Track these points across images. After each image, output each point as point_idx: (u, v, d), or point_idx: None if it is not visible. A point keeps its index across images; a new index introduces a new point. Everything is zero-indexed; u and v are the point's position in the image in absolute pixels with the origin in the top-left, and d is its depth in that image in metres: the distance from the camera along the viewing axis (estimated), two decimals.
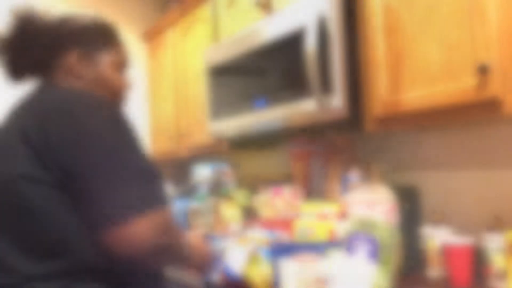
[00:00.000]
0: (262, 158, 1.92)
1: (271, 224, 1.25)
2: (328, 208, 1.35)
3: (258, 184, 1.67)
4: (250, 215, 1.45)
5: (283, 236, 1.16)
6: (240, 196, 1.65)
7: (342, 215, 1.24)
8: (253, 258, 1.05)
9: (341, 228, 1.16)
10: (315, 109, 1.20)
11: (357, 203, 1.27)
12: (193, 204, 1.54)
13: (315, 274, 0.97)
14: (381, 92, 1.14)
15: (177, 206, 1.69)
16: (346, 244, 1.06)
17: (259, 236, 1.15)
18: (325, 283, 0.99)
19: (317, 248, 0.98)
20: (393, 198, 1.23)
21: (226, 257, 1.12)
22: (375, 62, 1.15)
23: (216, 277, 1.11)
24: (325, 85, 1.18)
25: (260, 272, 1.02)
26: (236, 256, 1.11)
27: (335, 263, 1.02)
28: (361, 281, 0.97)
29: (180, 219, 1.62)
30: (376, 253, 1.00)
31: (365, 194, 1.27)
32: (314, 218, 1.24)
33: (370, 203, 1.24)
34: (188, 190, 1.84)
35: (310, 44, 1.18)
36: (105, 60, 0.88)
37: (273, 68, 1.35)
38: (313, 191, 1.57)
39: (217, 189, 1.69)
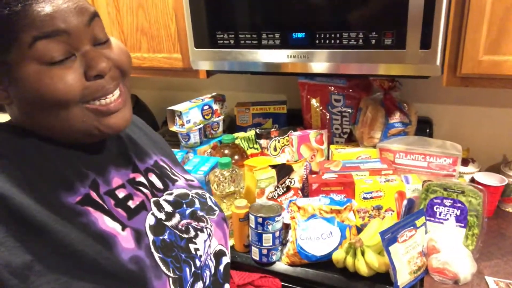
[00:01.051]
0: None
1: (319, 185, 1.13)
2: (365, 154, 1.31)
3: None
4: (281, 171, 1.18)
5: (345, 201, 1.08)
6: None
7: (394, 170, 1.18)
8: (353, 250, 0.96)
9: (410, 189, 1.11)
10: (403, 62, 1.02)
11: (414, 155, 1.24)
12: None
13: (416, 248, 0.94)
14: (477, 49, 0.97)
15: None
16: (430, 210, 1.04)
17: (318, 204, 1.05)
18: (424, 254, 0.97)
19: (409, 222, 0.95)
20: (457, 150, 1.20)
21: (298, 236, 1.02)
22: (478, 12, 0.95)
23: (277, 256, 1.04)
24: (426, 36, 0.98)
25: (365, 262, 0.94)
26: (315, 237, 1.01)
27: (429, 233, 1.01)
28: (454, 247, 0.96)
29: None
30: (465, 219, 1.01)
31: (423, 146, 1.24)
32: (367, 174, 1.17)
33: (429, 157, 1.22)
34: None
35: None
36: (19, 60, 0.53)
37: None
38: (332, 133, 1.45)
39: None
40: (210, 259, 0.73)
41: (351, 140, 1.44)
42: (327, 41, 1.09)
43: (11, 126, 0.61)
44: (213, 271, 0.73)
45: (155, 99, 1.90)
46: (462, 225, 1.01)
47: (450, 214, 1.02)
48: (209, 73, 1.38)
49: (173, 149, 0.95)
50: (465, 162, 1.28)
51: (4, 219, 0.50)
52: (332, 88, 1.40)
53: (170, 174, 0.78)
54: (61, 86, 0.54)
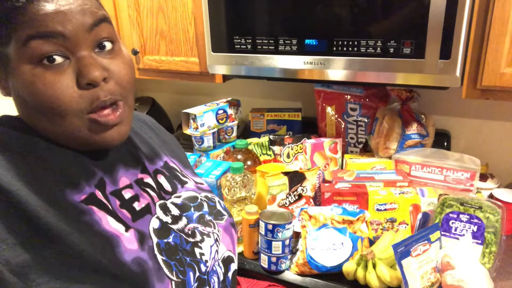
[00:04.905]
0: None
1: (332, 194, 1.11)
2: (380, 164, 1.28)
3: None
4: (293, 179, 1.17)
5: (357, 212, 1.05)
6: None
7: (410, 182, 1.15)
8: (365, 262, 0.94)
9: (425, 203, 1.08)
10: (421, 72, 1.00)
11: (430, 168, 1.21)
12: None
13: (430, 264, 0.92)
14: (499, 61, 0.95)
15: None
16: (445, 224, 1.01)
17: (330, 213, 1.02)
18: (438, 270, 0.94)
19: (423, 236, 0.93)
20: (476, 165, 1.17)
21: (308, 245, 1.00)
22: (501, 24, 0.93)
23: (286, 264, 1.03)
24: (446, 46, 0.97)
25: (376, 275, 0.92)
26: (326, 247, 0.99)
27: (444, 249, 0.97)
28: (470, 264, 0.92)
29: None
30: (482, 235, 0.97)
31: (440, 159, 1.21)
32: (381, 185, 1.14)
33: (446, 171, 1.19)
34: None
35: None
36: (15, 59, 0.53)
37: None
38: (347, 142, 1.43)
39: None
40: (219, 265, 0.72)
41: (366, 150, 1.42)
42: (345, 49, 1.08)
43: (21, 121, 0.60)
44: (221, 277, 0.72)
45: (172, 103, 1.91)
46: (479, 242, 0.97)
47: (467, 230, 0.98)
48: (225, 77, 1.39)
49: (186, 153, 0.94)
50: (483, 178, 1.24)
51: (8, 215, 0.50)
52: (349, 97, 1.38)
53: (180, 176, 0.77)
54: (52, 93, 0.53)
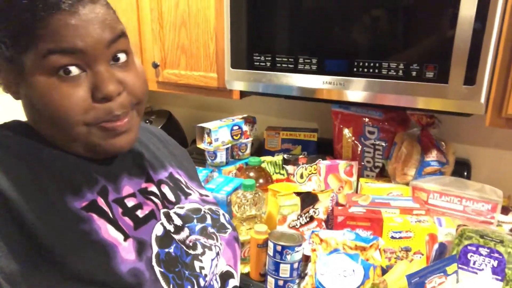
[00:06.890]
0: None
1: (345, 218, 1.08)
2: (397, 191, 1.24)
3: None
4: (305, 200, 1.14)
5: (371, 238, 1.02)
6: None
7: (427, 211, 1.10)
8: None
9: (442, 233, 1.04)
10: (444, 97, 0.97)
11: (449, 197, 1.17)
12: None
13: None
14: None
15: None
16: (463, 257, 0.96)
17: (342, 238, 0.99)
18: None
19: (439, 268, 0.88)
20: (498, 196, 1.12)
21: (317, 270, 0.97)
22: None
23: None
24: (471, 71, 0.94)
25: None
26: (336, 273, 0.96)
27: (461, 283, 0.93)
28: None
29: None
30: (503, 271, 0.92)
31: (460, 189, 1.16)
32: (397, 212, 1.10)
33: (466, 201, 1.15)
34: None
35: (468, 6, 0.91)
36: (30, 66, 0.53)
37: (383, 23, 1.03)
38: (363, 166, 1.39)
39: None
40: (216, 279, 0.69)
41: (382, 175, 1.38)
42: (366, 70, 1.06)
43: (29, 126, 0.60)
44: None
45: (188, 117, 1.92)
46: (499, 278, 0.92)
47: (486, 264, 0.93)
48: (242, 94, 1.38)
49: (198, 167, 0.93)
50: (505, 211, 1.19)
51: (4, 222, 0.49)
52: (367, 120, 1.35)
53: (184, 187, 0.76)
54: (67, 104, 0.53)
